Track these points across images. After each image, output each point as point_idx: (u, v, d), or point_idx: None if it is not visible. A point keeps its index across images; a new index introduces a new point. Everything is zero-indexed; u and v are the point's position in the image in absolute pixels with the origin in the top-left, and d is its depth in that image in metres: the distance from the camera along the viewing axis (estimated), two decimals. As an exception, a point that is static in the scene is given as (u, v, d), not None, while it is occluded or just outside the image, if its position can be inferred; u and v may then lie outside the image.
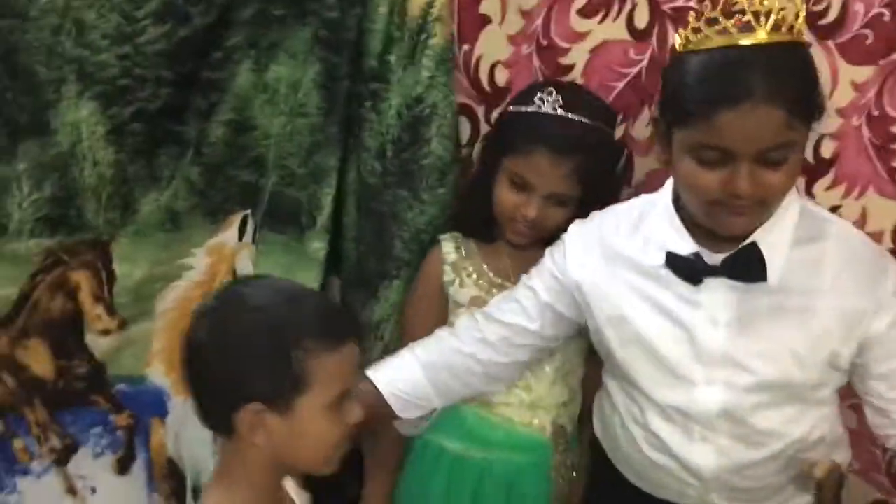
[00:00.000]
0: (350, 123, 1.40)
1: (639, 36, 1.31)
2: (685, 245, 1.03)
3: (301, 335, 0.89)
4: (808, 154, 1.18)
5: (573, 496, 1.36)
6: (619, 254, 1.09)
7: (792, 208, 1.02)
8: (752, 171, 0.93)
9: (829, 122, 1.14)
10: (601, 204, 1.20)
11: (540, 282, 1.16)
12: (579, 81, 1.34)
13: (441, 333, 1.21)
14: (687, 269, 1.03)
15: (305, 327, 0.90)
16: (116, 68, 1.27)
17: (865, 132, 1.19)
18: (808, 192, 1.23)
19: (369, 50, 1.36)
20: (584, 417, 1.36)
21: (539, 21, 1.34)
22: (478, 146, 1.43)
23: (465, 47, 1.36)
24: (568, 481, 1.35)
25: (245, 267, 1.47)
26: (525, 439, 1.32)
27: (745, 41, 0.92)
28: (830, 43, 1.18)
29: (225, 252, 1.47)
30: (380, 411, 1.14)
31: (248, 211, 1.46)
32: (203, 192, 1.42)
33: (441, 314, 1.34)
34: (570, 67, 1.34)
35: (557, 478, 1.33)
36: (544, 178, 1.22)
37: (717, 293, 1.02)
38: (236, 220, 1.46)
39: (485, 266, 1.34)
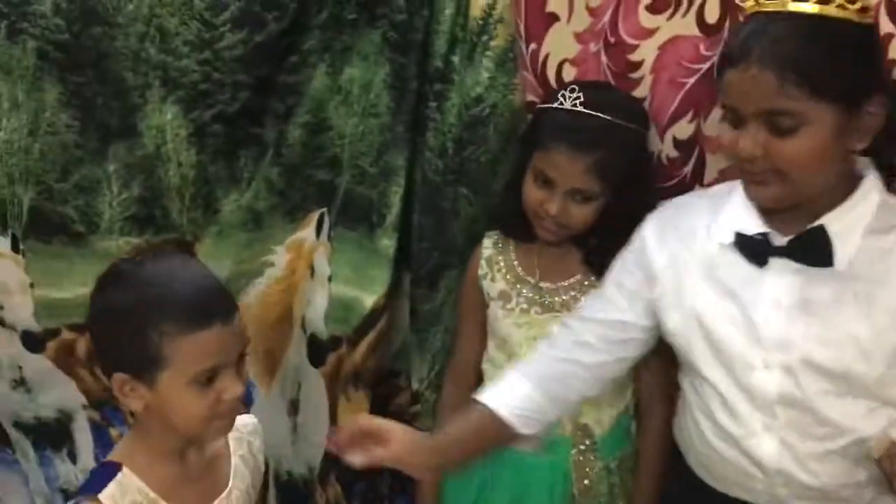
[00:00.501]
0: (416, 123, 1.43)
1: (709, 31, 1.28)
2: (753, 225, 1.03)
3: (160, 318, 0.94)
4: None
5: (636, 493, 1.34)
6: (690, 234, 1.10)
7: (870, 198, 1.00)
8: (756, 134, 0.96)
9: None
10: (633, 204, 1.20)
11: (623, 272, 1.17)
12: (648, 78, 1.32)
13: (540, 347, 1.21)
14: (753, 249, 1.03)
15: (166, 310, 0.95)
16: (197, 73, 1.32)
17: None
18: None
19: (435, 51, 1.38)
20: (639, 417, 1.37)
21: (607, 18, 1.33)
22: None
23: (533, 46, 1.36)
24: (599, 482, 1.33)
25: (321, 263, 1.52)
26: None
27: (792, 8, 0.94)
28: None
29: (304, 248, 1.52)
30: (501, 435, 1.14)
31: (325, 209, 1.51)
32: (282, 192, 1.47)
33: (483, 305, 1.39)
34: (639, 64, 1.32)
35: (580, 477, 1.32)
36: (564, 174, 1.24)
37: (782, 275, 1.02)
38: (314, 217, 1.51)
39: (515, 262, 1.37)
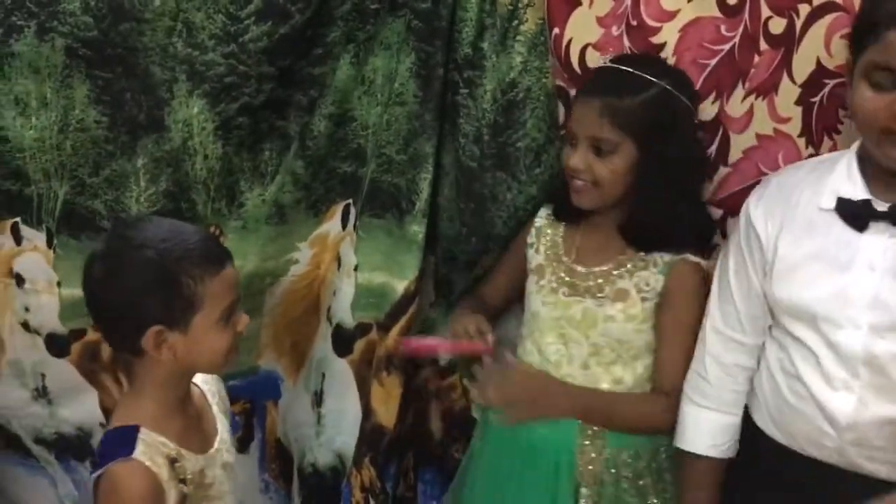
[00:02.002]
0: (445, 110, 1.43)
1: (730, 12, 1.28)
2: (857, 191, 1.09)
3: (188, 265, 1.04)
4: None
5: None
6: (792, 200, 1.14)
7: None
8: None
9: None
10: (669, 171, 1.23)
11: (749, 270, 1.18)
12: (671, 60, 1.33)
13: (718, 392, 1.24)
14: (854, 214, 1.08)
15: (189, 257, 1.05)
16: (222, 66, 1.33)
17: None
18: None
19: (462, 38, 1.38)
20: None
21: (628, 1, 1.33)
22: None
23: (556, 31, 1.36)
24: (604, 470, 1.30)
25: (347, 253, 1.52)
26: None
27: None
28: None
29: (328, 241, 1.53)
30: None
31: (349, 200, 1.52)
32: (307, 186, 1.48)
33: (522, 270, 1.41)
34: (661, 46, 1.32)
35: (584, 462, 1.31)
36: (580, 124, 1.26)
37: (880, 239, 1.07)
38: (338, 209, 1.52)
39: (560, 239, 1.38)
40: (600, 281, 1.32)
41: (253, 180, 1.46)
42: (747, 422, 1.23)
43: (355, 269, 1.51)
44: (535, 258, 1.39)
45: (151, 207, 1.41)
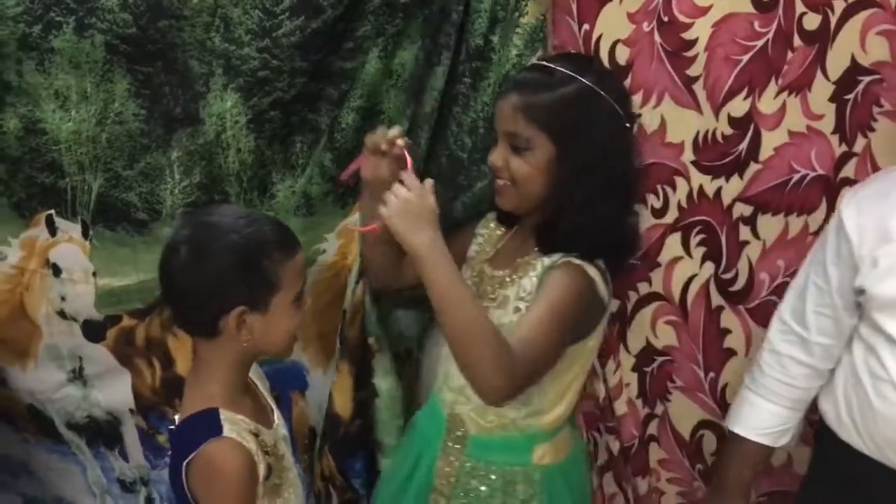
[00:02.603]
0: (445, 100, 1.43)
1: (764, 8, 1.28)
2: None
3: (269, 248, 1.11)
4: None
5: None
6: (892, 194, 1.10)
7: None
8: None
9: None
10: (583, 165, 1.19)
11: (827, 265, 1.17)
12: (703, 56, 1.32)
13: (766, 380, 1.25)
14: None
15: (270, 241, 1.11)
16: (256, 61, 1.34)
17: None
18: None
19: (475, 29, 1.38)
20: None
21: (660, -2, 1.33)
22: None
23: (586, 27, 1.36)
24: (461, 483, 1.32)
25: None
26: (436, 413, 1.37)
27: None
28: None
29: (356, 233, 1.53)
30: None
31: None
32: (335, 178, 1.48)
33: (464, 252, 1.39)
34: (693, 42, 1.32)
35: (442, 465, 1.34)
36: (498, 120, 1.24)
37: None
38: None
39: (491, 240, 1.36)
40: (495, 286, 1.30)
41: (284, 172, 1.47)
42: (827, 435, 1.20)
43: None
44: (471, 250, 1.39)
45: (186, 199, 1.43)
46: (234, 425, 1.10)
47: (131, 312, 1.51)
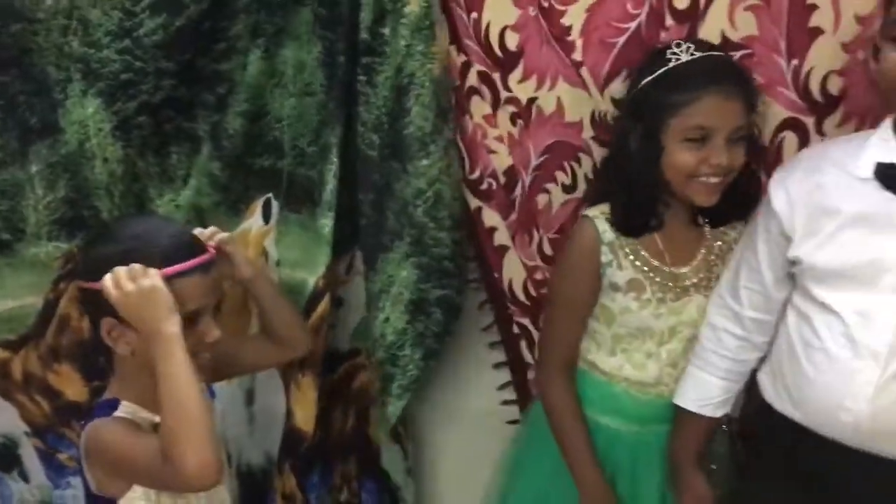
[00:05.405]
0: (349, 99, 1.40)
1: (635, -11, 1.29)
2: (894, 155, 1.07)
3: (148, 263, 1.05)
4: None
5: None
6: (821, 167, 1.12)
7: None
8: None
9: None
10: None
11: (758, 242, 1.19)
12: (579, 41, 1.32)
13: (708, 345, 1.27)
14: (893, 177, 1.05)
15: (153, 257, 1.06)
16: (118, 63, 1.29)
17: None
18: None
19: (361, 23, 1.35)
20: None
21: (537, -18, 1.33)
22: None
23: (474, 15, 1.36)
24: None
25: (271, 248, 1.49)
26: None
27: None
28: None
29: (251, 237, 1.49)
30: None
31: (270, 194, 1.48)
32: (226, 186, 1.45)
33: (595, 293, 1.29)
34: (569, 28, 1.32)
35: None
36: (725, 117, 1.17)
37: None
38: (258, 205, 1.49)
39: (641, 250, 1.28)
40: (702, 274, 1.29)
41: (162, 185, 1.41)
42: (763, 406, 1.21)
43: (277, 264, 1.48)
44: (620, 274, 1.27)
45: (52, 216, 1.36)
46: (133, 416, 1.10)
47: (4, 344, 1.43)
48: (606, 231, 1.27)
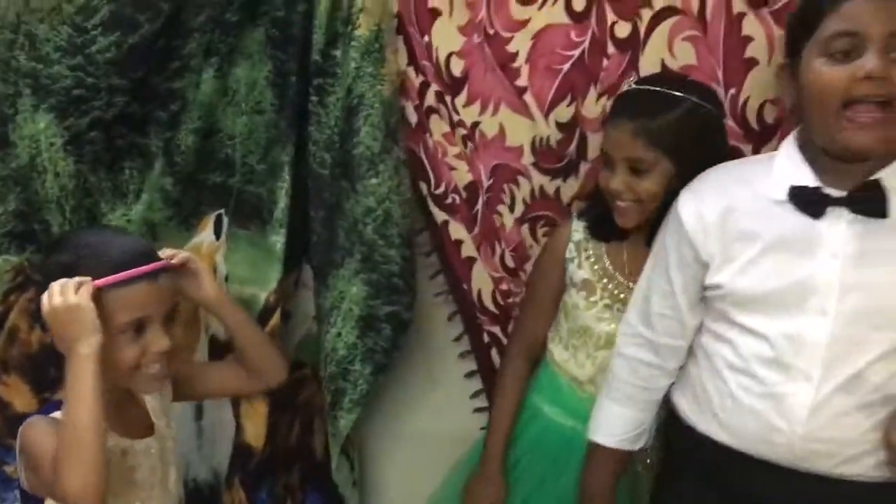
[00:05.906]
0: (301, 118, 1.41)
1: (578, 18, 1.33)
2: (807, 179, 1.06)
3: (90, 273, 1.07)
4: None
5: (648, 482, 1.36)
6: (730, 192, 1.11)
7: None
8: (882, 56, 0.97)
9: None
10: (704, 167, 1.20)
11: (670, 268, 1.17)
12: (525, 67, 1.36)
13: (620, 374, 1.25)
14: (810, 201, 1.05)
15: (95, 268, 1.08)
16: (69, 79, 1.29)
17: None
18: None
19: (314, 45, 1.37)
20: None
21: (483, 12, 1.36)
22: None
23: (426, 38, 1.39)
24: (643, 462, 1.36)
25: (220, 263, 1.49)
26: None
27: None
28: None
29: (202, 252, 1.49)
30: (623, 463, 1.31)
31: (221, 210, 1.49)
32: (178, 202, 1.45)
33: (562, 286, 1.37)
34: (516, 55, 1.36)
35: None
36: (616, 148, 1.24)
37: (838, 226, 1.04)
38: (209, 220, 1.49)
39: (604, 254, 1.34)
40: None
41: (114, 200, 1.42)
42: (682, 429, 1.20)
43: (226, 279, 1.48)
44: (579, 273, 1.34)
45: (2, 229, 1.36)
46: None
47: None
48: (577, 231, 1.36)
